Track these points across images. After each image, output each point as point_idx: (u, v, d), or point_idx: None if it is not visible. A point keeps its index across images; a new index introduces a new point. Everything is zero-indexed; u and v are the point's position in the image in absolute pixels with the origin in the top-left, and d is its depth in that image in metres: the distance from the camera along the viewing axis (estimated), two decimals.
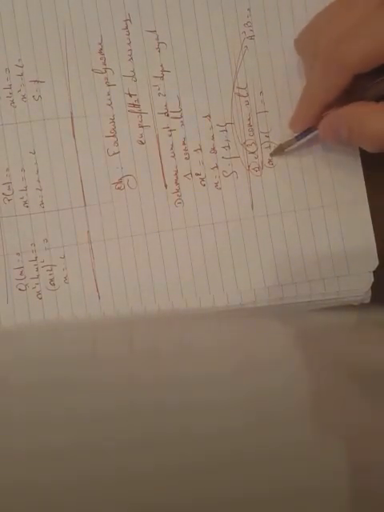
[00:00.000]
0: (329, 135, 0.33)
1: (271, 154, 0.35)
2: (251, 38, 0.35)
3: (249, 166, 0.35)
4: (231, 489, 0.11)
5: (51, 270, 0.34)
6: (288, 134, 0.35)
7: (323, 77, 0.31)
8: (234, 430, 0.13)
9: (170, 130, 0.35)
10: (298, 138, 0.34)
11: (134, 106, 0.35)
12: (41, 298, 0.34)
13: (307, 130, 0.34)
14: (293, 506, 0.11)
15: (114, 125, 0.35)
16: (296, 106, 0.34)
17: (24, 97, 0.35)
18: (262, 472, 0.12)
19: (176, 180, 0.35)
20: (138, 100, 0.35)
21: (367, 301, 0.35)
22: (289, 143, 0.35)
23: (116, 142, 0.35)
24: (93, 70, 0.35)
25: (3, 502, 0.10)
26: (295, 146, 0.35)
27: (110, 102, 0.35)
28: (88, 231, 0.35)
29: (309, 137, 0.34)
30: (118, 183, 0.35)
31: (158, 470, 0.11)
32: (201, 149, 0.35)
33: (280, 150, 0.35)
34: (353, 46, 0.29)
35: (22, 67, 0.35)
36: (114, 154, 0.35)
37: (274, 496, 0.11)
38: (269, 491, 0.11)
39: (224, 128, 0.35)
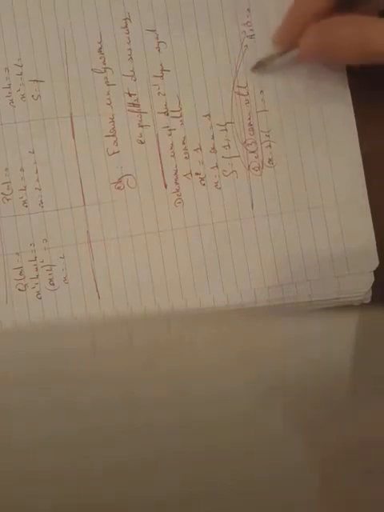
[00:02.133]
0: (314, 50, 0.31)
1: (252, 69, 0.34)
2: (251, 37, 0.35)
3: (249, 166, 0.35)
4: (232, 479, 0.11)
5: (51, 269, 0.34)
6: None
7: None
8: (233, 424, 0.13)
9: (170, 130, 0.35)
10: (280, 54, 0.33)
11: (134, 105, 0.35)
12: (40, 298, 0.34)
13: (289, 46, 0.33)
14: (291, 495, 0.11)
15: (113, 124, 0.35)
16: (282, 22, 0.33)
17: (23, 96, 0.35)
18: (261, 462, 0.12)
19: (176, 180, 0.35)
20: (137, 99, 0.35)
21: (367, 301, 0.35)
22: (271, 58, 0.34)
23: (115, 142, 0.35)
24: (92, 69, 0.35)
25: (4, 493, 0.10)
26: (277, 63, 0.34)
27: (109, 102, 0.35)
28: (87, 231, 0.35)
29: (292, 53, 0.33)
30: (117, 183, 0.35)
31: (158, 461, 0.11)
32: (201, 148, 0.35)
33: (261, 66, 0.34)
34: None
35: (21, 66, 0.35)
36: (114, 153, 0.35)
37: (275, 485, 0.11)
38: (269, 480, 0.11)
39: (224, 127, 0.35)
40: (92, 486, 0.10)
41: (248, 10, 0.35)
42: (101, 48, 0.35)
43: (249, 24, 0.35)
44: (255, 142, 0.35)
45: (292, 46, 0.33)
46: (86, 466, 0.11)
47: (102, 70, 0.35)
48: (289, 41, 0.33)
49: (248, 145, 0.35)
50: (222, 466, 0.11)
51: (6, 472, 0.11)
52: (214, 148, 0.35)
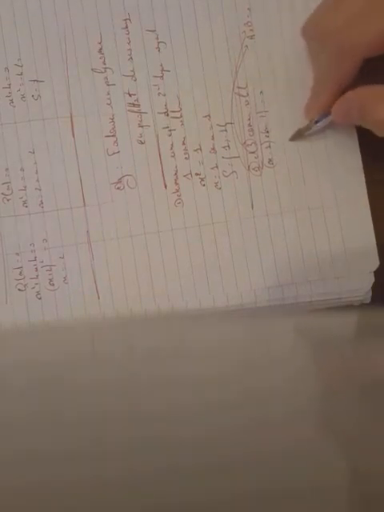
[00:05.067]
0: (341, 117, 0.33)
1: (290, 139, 0.35)
2: (251, 37, 0.35)
3: (249, 166, 0.35)
4: (231, 489, 0.11)
5: (50, 270, 0.34)
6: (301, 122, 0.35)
7: (334, 63, 0.31)
8: (234, 431, 0.13)
9: (170, 130, 0.35)
10: (316, 122, 0.34)
11: (134, 105, 0.35)
12: (40, 298, 0.34)
13: (323, 114, 0.34)
14: (291, 506, 0.11)
15: (113, 124, 0.35)
16: (310, 93, 0.34)
17: (23, 96, 0.35)
18: (261, 472, 0.12)
19: (176, 180, 0.35)
20: (137, 100, 0.35)
21: (368, 301, 0.35)
22: (307, 127, 0.34)
23: (116, 142, 0.35)
24: (92, 69, 0.35)
25: (5, 504, 0.10)
26: (314, 130, 0.34)
27: (109, 102, 0.35)
28: (87, 231, 0.35)
29: (326, 120, 0.34)
30: (117, 183, 0.35)
31: (158, 470, 0.11)
32: (201, 149, 0.35)
33: (299, 135, 0.35)
34: (362, 30, 0.29)
35: (21, 66, 0.35)
36: (114, 153, 0.35)
37: (273, 495, 0.11)
38: (268, 490, 0.11)
39: (224, 128, 0.35)
40: (92, 495, 0.10)
41: (248, 9, 0.35)
42: (101, 48, 0.35)
43: (249, 24, 0.35)
44: (255, 143, 0.35)
45: (325, 114, 0.34)
46: (85, 474, 0.11)
47: (102, 70, 0.35)
48: (320, 111, 0.34)
49: (248, 145, 0.35)
50: (222, 477, 0.11)
51: (6, 481, 0.11)
52: (213, 148, 0.35)
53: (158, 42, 0.35)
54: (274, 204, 0.35)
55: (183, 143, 0.35)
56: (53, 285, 0.34)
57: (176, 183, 0.35)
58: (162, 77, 0.35)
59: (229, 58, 0.35)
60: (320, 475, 0.11)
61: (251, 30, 0.35)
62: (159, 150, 0.35)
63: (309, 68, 0.35)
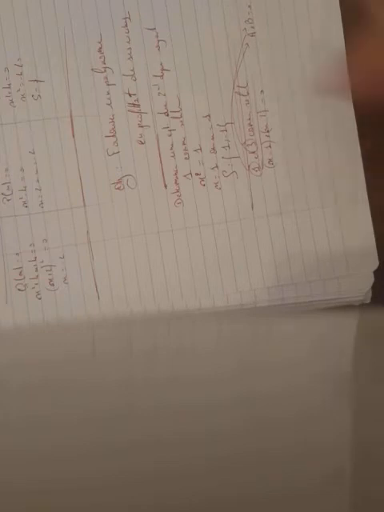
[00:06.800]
0: None
1: None
2: (252, 34, 0.35)
3: (249, 166, 0.35)
4: (229, 490, 0.11)
5: (50, 270, 0.34)
6: None
7: None
8: (234, 431, 0.13)
9: (170, 130, 0.35)
10: None
11: (134, 105, 0.35)
12: (40, 299, 0.34)
13: None
14: (292, 507, 0.11)
15: (113, 125, 0.35)
16: None
17: (23, 96, 0.35)
18: (260, 474, 0.12)
19: (176, 180, 0.35)
20: (137, 100, 0.35)
21: (368, 301, 0.35)
22: None
23: (115, 142, 0.35)
24: (92, 69, 0.35)
25: (4, 505, 0.10)
26: None
27: (109, 102, 0.35)
28: (87, 231, 0.35)
29: None
30: (117, 183, 0.35)
31: (158, 471, 0.11)
32: (201, 149, 0.35)
33: None
34: None
35: (21, 66, 0.35)
36: (114, 153, 0.35)
37: (272, 497, 0.11)
38: (267, 492, 0.11)
39: (224, 128, 0.35)
40: (91, 496, 0.10)
41: (249, 6, 0.35)
42: (101, 47, 0.35)
43: (250, 21, 0.35)
44: (255, 143, 0.35)
45: None
46: (84, 475, 0.11)
47: (102, 70, 0.35)
48: None
49: (248, 145, 0.35)
50: (223, 477, 0.11)
51: (5, 482, 0.11)
52: (213, 148, 0.35)
53: (158, 41, 0.35)
54: (273, 204, 0.35)
55: (183, 143, 0.35)
56: (53, 285, 0.34)
57: (176, 183, 0.35)
58: (161, 76, 0.35)
59: (229, 55, 0.35)
60: (322, 476, 0.11)
61: (252, 27, 0.35)
62: (159, 150, 0.35)
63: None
